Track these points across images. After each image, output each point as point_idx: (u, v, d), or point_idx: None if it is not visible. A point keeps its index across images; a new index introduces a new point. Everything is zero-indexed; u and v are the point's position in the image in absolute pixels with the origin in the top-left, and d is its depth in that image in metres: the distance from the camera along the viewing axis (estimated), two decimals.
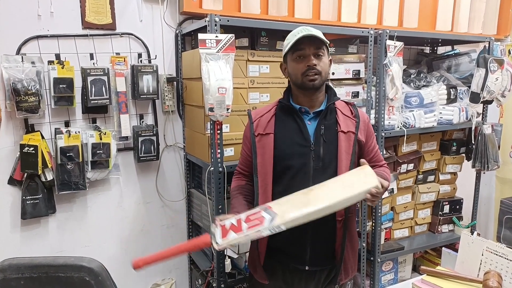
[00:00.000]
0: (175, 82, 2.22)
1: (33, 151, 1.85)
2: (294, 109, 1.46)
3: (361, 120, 1.49)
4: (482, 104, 2.61)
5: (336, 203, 1.27)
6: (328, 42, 1.43)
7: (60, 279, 1.16)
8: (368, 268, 2.46)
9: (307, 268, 1.46)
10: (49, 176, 1.94)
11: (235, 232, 1.27)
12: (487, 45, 2.58)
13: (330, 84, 2.18)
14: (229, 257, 1.97)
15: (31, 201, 1.93)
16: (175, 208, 2.37)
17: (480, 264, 1.34)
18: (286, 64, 1.48)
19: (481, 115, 2.69)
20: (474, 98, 2.50)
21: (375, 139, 1.58)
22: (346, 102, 1.54)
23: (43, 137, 1.93)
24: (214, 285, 1.98)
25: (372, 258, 2.41)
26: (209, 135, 1.86)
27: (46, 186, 1.95)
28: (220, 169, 1.82)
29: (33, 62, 1.84)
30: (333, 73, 2.18)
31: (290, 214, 1.26)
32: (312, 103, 1.46)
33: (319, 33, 1.39)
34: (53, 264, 1.16)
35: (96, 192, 2.13)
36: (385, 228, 2.54)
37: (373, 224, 2.40)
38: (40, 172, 1.88)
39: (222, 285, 1.93)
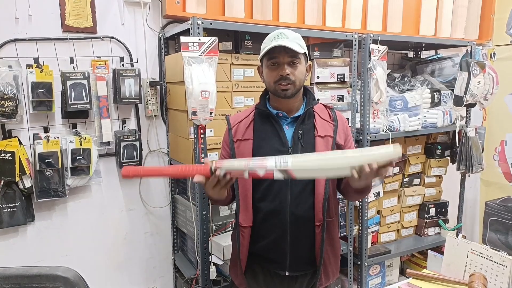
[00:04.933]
0: (158, 86, 2.19)
1: (10, 158, 1.79)
2: (271, 114, 1.44)
3: (339, 123, 1.47)
4: (465, 108, 2.64)
5: (355, 158, 1.17)
6: (305, 50, 1.39)
7: None
8: (355, 272, 2.44)
9: (287, 273, 1.44)
10: (27, 183, 1.88)
11: (237, 161, 1.22)
12: (469, 49, 2.62)
13: (315, 87, 2.19)
14: (214, 264, 1.94)
15: (8, 209, 1.86)
16: (159, 215, 2.33)
17: (466, 266, 1.33)
18: (262, 68, 1.45)
19: (464, 118, 2.72)
20: (458, 101, 2.52)
21: (353, 145, 1.55)
22: (324, 106, 1.52)
23: (21, 143, 1.87)
24: None
25: (359, 262, 2.40)
26: (193, 139, 1.83)
27: (24, 193, 1.89)
28: None
29: (10, 66, 1.78)
30: (318, 77, 2.19)
31: (303, 157, 1.21)
32: (289, 108, 1.44)
33: (295, 40, 1.35)
34: (26, 274, 1.11)
35: (76, 199, 2.07)
36: (372, 232, 2.54)
37: (360, 228, 2.39)
38: (17, 179, 1.83)
39: None
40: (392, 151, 1.16)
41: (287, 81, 1.35)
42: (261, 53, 1.40)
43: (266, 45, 1.38)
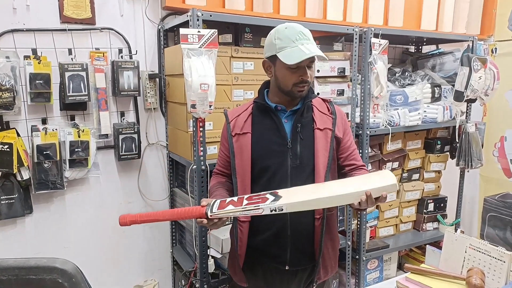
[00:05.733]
0: (157, 79, 2.17)
1: (8, 149, 1.78)
2: (270, 108, 1.43)
3: (338, 116, 1.46)
4: (466, 103, 2.63)
5: (347, 194, 1.21)
6: (324, 54, 1.35)
7: (31, 282, 1.10)
8: (353, 267, 2.45)
9: (287, 268, 1.44)
10: (25, 175, 1.87)
11: (233, 205, 1.23)
12: (470, 44, 2.60)
13: (316, 81, 2.17)
14: (213, 257, 1.94)
15: (6, 201, 1.85)
16: (158, 208, 2.32)
17: (464, 261, 1.33)
18: (272, 64, 1.40)
19: (465, 113, 2.72)
20: (458, 96, 2.51)
21: (352, 138, 1.54)
22: (323, 99, 1.52)
23: (18, 135, 1.86)
24: (197, 285, 1.94)
25: (357, 257, 2.41)
26: (192, 132, 1.82)
27: (22, 185, 1.89)
28: (203, 167, 1.79)
29: (7, 57, 1.77)
30: (318, 71, 2.17)
31: (296, 197, 1.21)
32: (288, 101, 1.43)
33: (315, 45, 1.34)
34: (23, 266, 1.11)
35: (75, 191, 2.06)
36: (370, 227, 2.54)
37: (358, 223, 2.39)
38: (15, 171, 1.82)
39: (205, 286, 1.89)
40: (390, 185, 1.20)
41: (306, 84, 1.36)
42: (277, 50, 1.33)
43: (286, 45, 1.31)
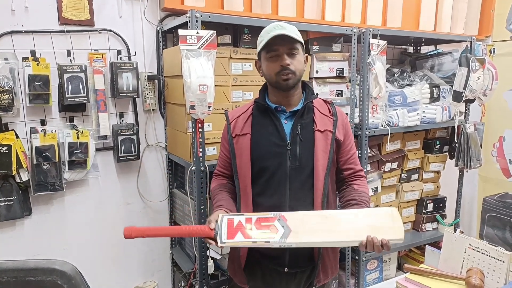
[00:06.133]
0: (156, 80, 2.17)
1: (7, 151, 1.78)
2: (270, 109, 1.43)
3: (339, 118, 1.46)
4: (464, 103, 2.63)
5: (356, 241, 1.22)
6: (302, 40, 1.39)
7: (30, 283, 1.10)
8: (353, 267, 2.45)
9: (286, 270, 1.44)
10: (24, 176, 1.87)
11: (244, 237, 1.22)
12: (469, 45, 2.61)
13: (314, 82, 2.18)
14: (212, 258, 1.94)
15: (5, 203, 1.85)
16: (157, 209, 2.32)
17: (463, 261, 1.33)
18: (260, 62, 1.44)
19: (463, 114, 2.72)
20: (457, 97, 2.52)
21: (353, 141, 1.53)
22: (324, 100, 1.51)
23: (17, 136, 1.86)
24: (197, 287, 1.94)
25: (356, 257, 2.41)
26: (191, 133, 1.82)
27: (21, 187, 1.88)
28: (202, 168, 1.79)
29: (6, 59, 1.77)
30: (317, 71, 2.17)
31: (306, 237, 1.21)
32: (288, 102, 1.43)
33: (292, 31, 1.35)
34: (23, 267, 1.11)
35: (74, 193, 2.06)
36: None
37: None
38: (14, 172, 1.82)
39: (205, 287, 1.89)
40: (399, 239, 1.22)
41: (288, 71, 1.35)
42: (259, 47, 1.39)
43: (263, 38, 1.37)
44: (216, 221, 1.26)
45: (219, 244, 1.23)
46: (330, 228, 1.23)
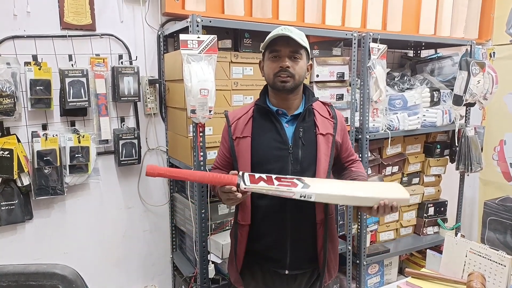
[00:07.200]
0: (157, 84, 2.18)
1: (8, 155, 1.79)
2: (271, 112, 1.43)
3: (338, 121, 1.47)
4: (465, 107, 2.64)
5: (370, 198, 1.28)
6: (307, 46, 1.39)
7: None
8: (354, 271, 2.44)
9: (287, 272, 1.44)
10: (26, 180, 1.87)
11: (266, 183, 1.24)
12: (469, 49, 2.62)
13: (315, 86, 2.18)
14: (213, 262, 1.93)
15: (6, 207, 1.86)
16: (158, 213, 2.32)
17: (464, 265, 1.33)
18: (263, 62, 1.45)
19: (464, 117, 2.72)
20: (457, 100, 2.52)
21: (348, 137, 1.59)
22: (323, 103, 1.52)
23: (19, 141, 1.86)
24: None
25: (358, 261, 2.40)
26: (192, 137, 1.82)
27: (22, 191, 1.89)
28: None
29: (8, 63, 1.77)
30: (317, 76, 2.18)
31: (324, 189, 1.25)
32: (288, 105, 1.44)
33: (298, 36, 1.35)
34: (23, 272, 1.11)
35: (75, 197, 2.06)
36: (371, 231, 2.54)
37: (359, 227, 2.39)
38: (15, 176, 1.82)
39: None
40: (405, 198, 1.34)
41: (286, 73, 1.35)
42: (264, 43, 1.40)
43: (268, 38, 1.37)
44: (239, 174, 1.26)
45: (242, 186, 1.22)
46: (346, 187, 1.32)
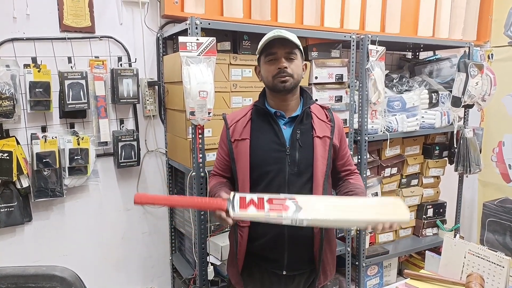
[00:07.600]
0: (156, 86, 2.19)
1: (8, 157, 1.79)
2: (269, 113, 1.44)
3: (336, 124, 1.48)
4: (463, 108, 2.64)
5: (365, 221, 1.25)
6: (301, 46, 1.41)
7: None
8: (353, 273, 2.44)
9: (284, 272, 1.44)
10: (25, 183, 1.87)
11: (256, 209, 1.21)
12: (467, 50, 2.62)
13: (314, 88, 2.19)
14: (212, 264, 1.93)
15: (5, 209, 1.86)
16: (157, 215, 2.32)
17: (463, 266, 1.34)
18: (260, 67, 1.47)
19: (462, 119, 2.73)
20: (456, 102, 2.53)
21: (347, 143, 1.58)
22: (321, 106, 1.53)
23: (18, 143, 1.87)
24: None
25: (357, 263, 2.40)
26: (191, 139, 1.83)
27: (22, 193, 1.89)
28: (202, 174, 1.79)
29: (7, 66, 1.78)
30: (316, 77, 2.19)
31: (316, 212, 1.22)
32: (286, 107, 1.45)
33: (291, 36, 1.37)
34: (23, 274, 1.11)
35: (74, 199, 2.06)
36: (370, 232, 2.54)
37: (358, 229, 2.39)
38: (15, 178, 1.82)
39: None
40: (404, 221, 1.29)
41: (285, 73, 1.37)
42: (258, 49, 1.42)
43: (262, 42, 1.40)
44: (229, 198, 1.24)
45: (232, 215, 1.20)
46: (340, 209, 1.26)
